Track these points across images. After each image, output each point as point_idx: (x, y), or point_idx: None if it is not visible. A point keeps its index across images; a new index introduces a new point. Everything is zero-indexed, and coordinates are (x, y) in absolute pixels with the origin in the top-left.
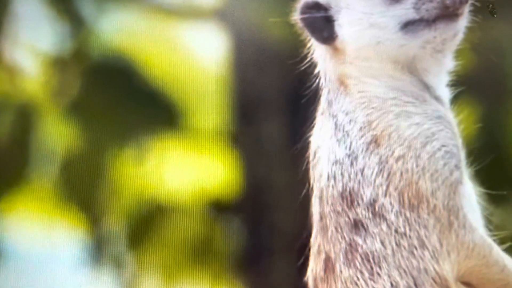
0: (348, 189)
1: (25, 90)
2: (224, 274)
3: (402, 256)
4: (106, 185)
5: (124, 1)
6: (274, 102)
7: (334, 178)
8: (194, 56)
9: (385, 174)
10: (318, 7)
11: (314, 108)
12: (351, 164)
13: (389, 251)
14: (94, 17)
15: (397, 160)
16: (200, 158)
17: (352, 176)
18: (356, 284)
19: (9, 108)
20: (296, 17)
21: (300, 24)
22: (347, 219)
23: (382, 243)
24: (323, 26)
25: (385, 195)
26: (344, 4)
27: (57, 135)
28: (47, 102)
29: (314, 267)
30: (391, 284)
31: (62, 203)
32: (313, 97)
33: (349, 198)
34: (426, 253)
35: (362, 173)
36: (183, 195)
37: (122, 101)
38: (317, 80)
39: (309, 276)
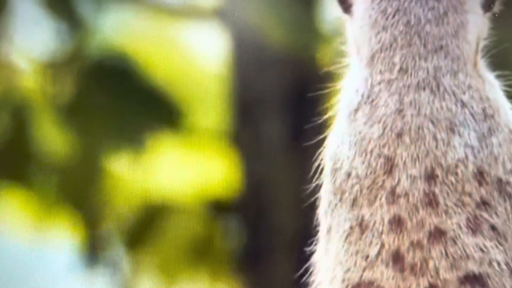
0: (479, 170)
1: (23, 90)
2: (223, 273)
3: None
4: (105, 185)
5: (124, 1)
6: (274, 102)
7: (465, 160)
8: (194, 56)
9: (509, 154)
10: None
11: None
12: (481, 146)
13: (510, 231)
14: (93, 17)
15: None
16: (200, 157)
17: (483, 158)
18: (482, 250)
19: (6, 108)
20: None
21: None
22: (473, 198)
23: (505, 221)
24: None
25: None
26: None
27: (55, 135)
28: (45, 102)
29: (392, 244)
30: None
31: (59, 204)
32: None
33: (479, 177)
34: None
35: (491, 154)
36: (183, 194)
37: (122, 101)
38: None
39: (379, 254)
